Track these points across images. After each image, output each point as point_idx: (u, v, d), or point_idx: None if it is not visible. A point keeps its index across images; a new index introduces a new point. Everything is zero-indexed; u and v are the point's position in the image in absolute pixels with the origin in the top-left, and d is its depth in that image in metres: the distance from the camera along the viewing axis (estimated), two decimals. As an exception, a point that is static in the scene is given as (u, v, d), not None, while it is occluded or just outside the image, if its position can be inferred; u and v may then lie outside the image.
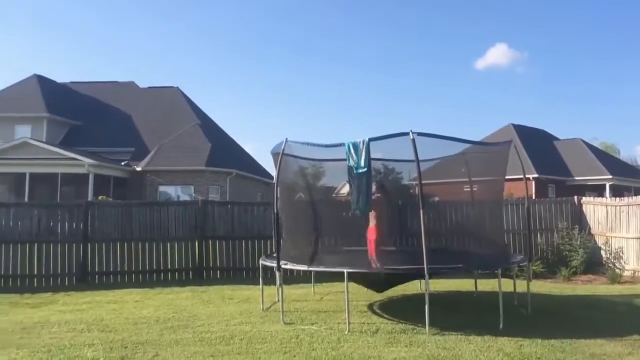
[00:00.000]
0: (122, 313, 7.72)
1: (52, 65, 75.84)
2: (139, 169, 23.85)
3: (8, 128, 26.05)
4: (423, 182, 6.63)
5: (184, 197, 21.93)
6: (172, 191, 23.35)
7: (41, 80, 29.82)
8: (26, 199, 20.28)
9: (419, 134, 6.66)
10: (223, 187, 23.55)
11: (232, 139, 32.40)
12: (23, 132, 25.46)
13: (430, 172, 9.62)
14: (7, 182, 22.98)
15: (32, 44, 72.21)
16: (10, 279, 10.53)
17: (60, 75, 75.20)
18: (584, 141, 34.50)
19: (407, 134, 6.64)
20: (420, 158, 6.58)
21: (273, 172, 10.35)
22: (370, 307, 7.90)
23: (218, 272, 11.32)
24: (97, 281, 10.77)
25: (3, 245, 10.66)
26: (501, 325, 6.30)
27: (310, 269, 7.61)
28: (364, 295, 8.69)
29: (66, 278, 10.73)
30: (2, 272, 10.53)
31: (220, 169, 23.68)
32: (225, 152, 26.57)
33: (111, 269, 10.93)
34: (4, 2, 62.85)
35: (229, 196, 22.53)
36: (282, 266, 7.20)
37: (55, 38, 71.80)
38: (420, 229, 6.46)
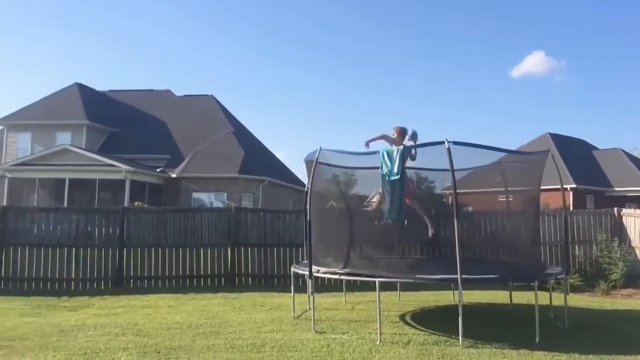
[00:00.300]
0: (155, 318, 7.83)
1: (92, 72, 78.01)
2: (173, 175, 24.29)
3: (50, 135, 26.93)
4: (457, 191, 6.52)
5: (217, 204, 22.22)
6: (205, 198, 23.70)
7: (82, 88, 30.74)
8: (65, 204, 20.87)
9: (455, 142, 6.55)
10: (255, 195, 23.76)
11: (264, 146, 32.70)
12: (64, 138, 26.28)
13: (464, 181, 9.47)
14: (47, 187, 23.72)
15: (74, 50, 74.51)
16: (49, 282, 10.81)
17: (100, 82, 77.42)
18: (624, 151, 33.55)
19: (442, 143, 6.56)
20: (454, 167, 6.47)
21: (305, 180, 10.38)
22: (403, 317, 7.81)
23: (250, 279, 11.38)
24: (131, 286, 10.96)
25: (43, 248, 10.96)
26: (537, 339, 6.14)
27: (342, 277, 7.55)
28: (396, 305, 8.61)
29: (102, 282, 10.96)
30: (42, 275, 10.82)
31: (253, 176, 23.91)
32: (258, 159, 26.83)
33: (145, 274, 11.11)
34: (49, 9, 65.26)
35: (262, 203, 22.72)
36: (314, 274, 7.18)
37: (96, 45, 73.92)
38: (453, 239, 6.37)
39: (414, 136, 8.09)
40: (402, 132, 8.13)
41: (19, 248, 10.96)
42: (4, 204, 19.22)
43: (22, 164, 23.64)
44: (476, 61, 76.60)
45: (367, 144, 7.84)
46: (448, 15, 70.55)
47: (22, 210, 13.01)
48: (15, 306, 8.85)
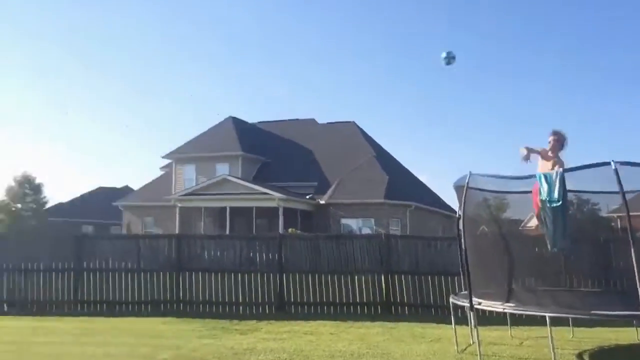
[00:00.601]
0: (319, 345, 8.10)
1: (241, 105, 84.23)
2: (322, 202, 25.16)
3: (210, 166, 29.44)
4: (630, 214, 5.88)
5: (365, 230, 22.55)
6: (353, 224, 24.17)
7: (235, 121, 33.29)
8: (227, 231, 22.63)
9: (622, 163, 5.95)
10: (403, 220, 23.71)
11: (407, 170, 32.61)
12: (222, 169, 28.57)
13: (635, 203, 8.59)
14: (211, 215, 25.92)
15: (225, 85, 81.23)
16: (220, 306, 11.72)
17: (249, 114, 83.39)
18: None
19: (607, 164, 5.99)
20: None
21: (453, 205, 10.16)
22: (580, 356, 7.20)
23: (406, 308, 11.29)
24: (293, 311, 11.47)
25: (212, 274, 11.94)
26: None
27: (506, 310, 7.18)
28: (569, 342, 7.97)
29: (266, 306, 11.61)
30: (213, 299, 11.77)
31: (399, 201, 23.90)
32: (402, 184, 26.80)
33: (304, 300, 11.56)
34: (204, 54, 72.08)
35: (410, 229, 22.58)
36: (475, 306, 6.94)
37: (245, 80, 79.85)
38: (631, 268, 5.74)
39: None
40: (561, 139, 7.20)
41: (192, 273, 12.06)
42: (177, 231, 21.36)
43: (189, 194, 26.15)
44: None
45: (527, 156, 7.31)
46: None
47: (192, 237, 14.41)
48: (194, 328, 9.74)
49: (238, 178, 26.23)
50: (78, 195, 46.68)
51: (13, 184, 37.08)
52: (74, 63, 77.62)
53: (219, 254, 12.46)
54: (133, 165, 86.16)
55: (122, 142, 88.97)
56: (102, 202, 38.57)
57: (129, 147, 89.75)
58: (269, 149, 31.41)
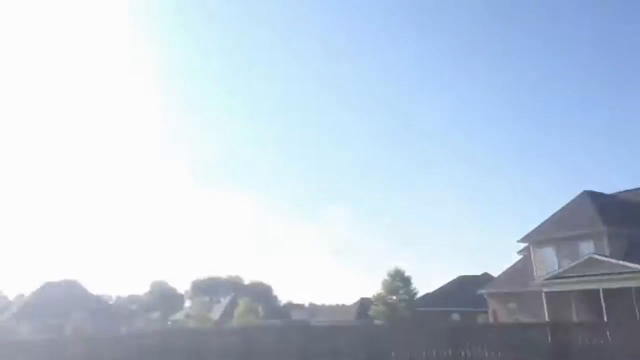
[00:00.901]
0: None
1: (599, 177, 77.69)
2: None
3: (571, 246, 27.63)
4: None
5: None
6: None
7: (592, 195, 30.86)
8: (605, 316, 20.61)
9: None
10: None
11: None
12: (586, 248, 26.47)
13: None
14: (581, 299, 24.09)
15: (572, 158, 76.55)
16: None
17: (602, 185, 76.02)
18: None
19: None
20: None
21: None
22: None
23: None
24: None
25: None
26: None
27: None
28: None
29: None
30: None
31: None
32: None
33: None
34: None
35: None
36: None
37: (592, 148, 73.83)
38: None
39: None
40: None
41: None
42: (546, 318, 20.60)
43: (553, 277, 25.02)
44: None
45: None
46: None
47: (568, 325, 13.81)
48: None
49: (606, 256, 23.90)
50: (442, 285, 49.48)
51: (388, 278, 42.10)
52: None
53: (602, 342, 11.63)
54: (489, 252, 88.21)
55: (476, 232, 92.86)
56: (464, 291, 39.92)
57: (484, 235, 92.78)
58: (637, 220, 27.77)
